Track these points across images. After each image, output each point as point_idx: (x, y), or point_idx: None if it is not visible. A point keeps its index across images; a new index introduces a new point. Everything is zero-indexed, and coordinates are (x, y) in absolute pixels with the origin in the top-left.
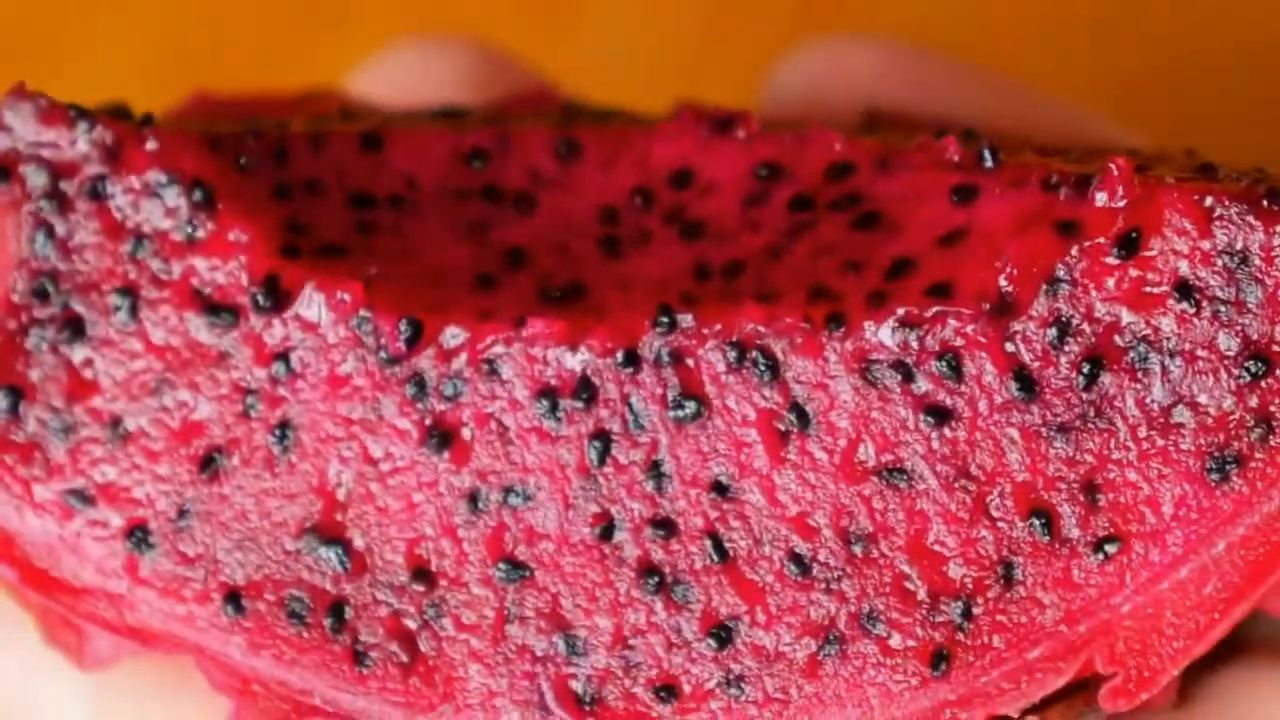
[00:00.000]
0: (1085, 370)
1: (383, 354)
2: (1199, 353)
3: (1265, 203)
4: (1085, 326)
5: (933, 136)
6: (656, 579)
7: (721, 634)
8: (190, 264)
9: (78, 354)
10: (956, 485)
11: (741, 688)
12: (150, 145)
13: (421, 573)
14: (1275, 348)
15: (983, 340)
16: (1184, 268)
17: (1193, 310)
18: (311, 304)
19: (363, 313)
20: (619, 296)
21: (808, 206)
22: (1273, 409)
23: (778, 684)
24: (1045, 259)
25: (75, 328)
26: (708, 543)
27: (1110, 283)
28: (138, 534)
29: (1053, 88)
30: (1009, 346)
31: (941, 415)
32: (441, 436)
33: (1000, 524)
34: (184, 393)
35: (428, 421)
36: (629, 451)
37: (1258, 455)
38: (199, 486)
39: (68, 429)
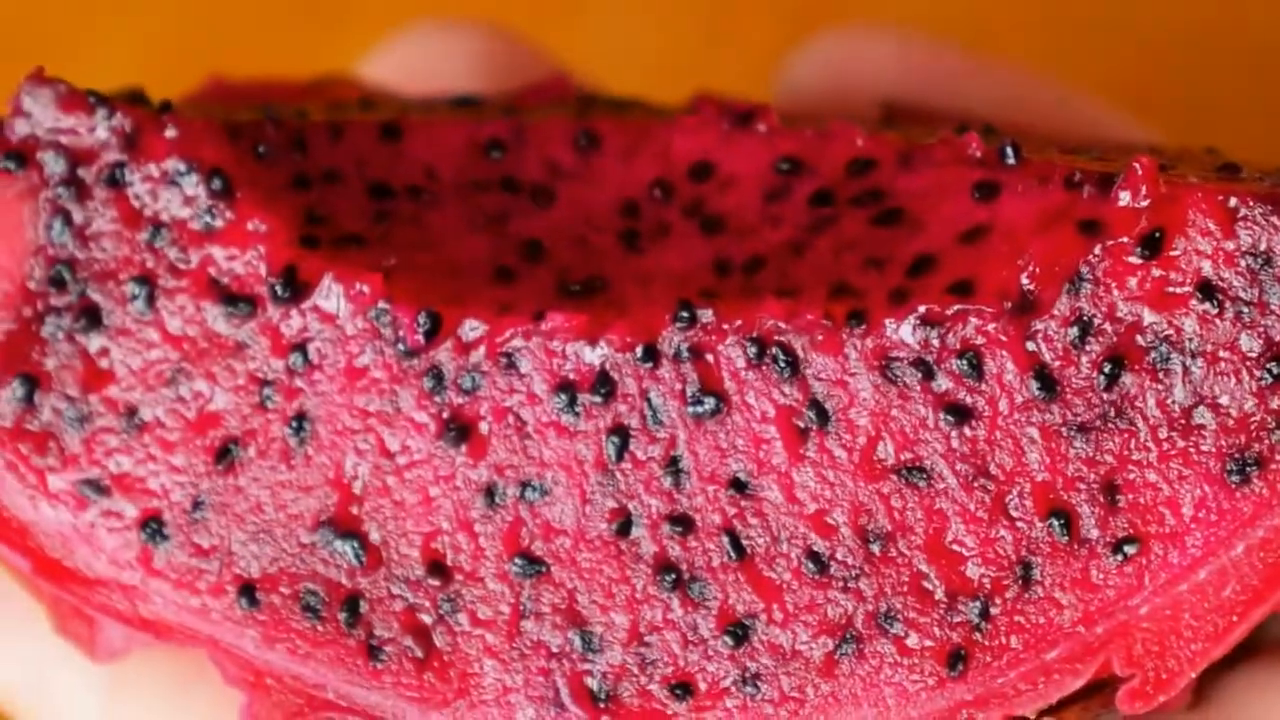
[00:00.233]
0: (1106, 370)
1: (401, 346)
2: (1221, 354)
3: None
4: (1107, 326)
5: (954, 132)
6: (673, 575)
7: (738, 632)
8: (208, 253)
9: (94, 343)
10: (976, 484)
11: (757, 686)
12: (169, 133)
13: (437, 567)
14: None
15: (1004, 339)
16: (1207, 268)
17: (1215, 311)
18: (330, 295)
19: (381, 304)
20: (638, 291)
21: (829, 202)
22: None
23: (794, 683)
24: (1068, 258)
25: (92, 316)
26: (725, 540)
27: (1133, 282)
28: (152, 525)
29: None
30: (1030, 345)
31: (962, 414)
32: (459, 430)
33: (1019, 524)
34: (200, 383)
35: (445, 415)
36: (647, 447)
37: (1278, 457)
38: (214, 478)
39: (83, 418)
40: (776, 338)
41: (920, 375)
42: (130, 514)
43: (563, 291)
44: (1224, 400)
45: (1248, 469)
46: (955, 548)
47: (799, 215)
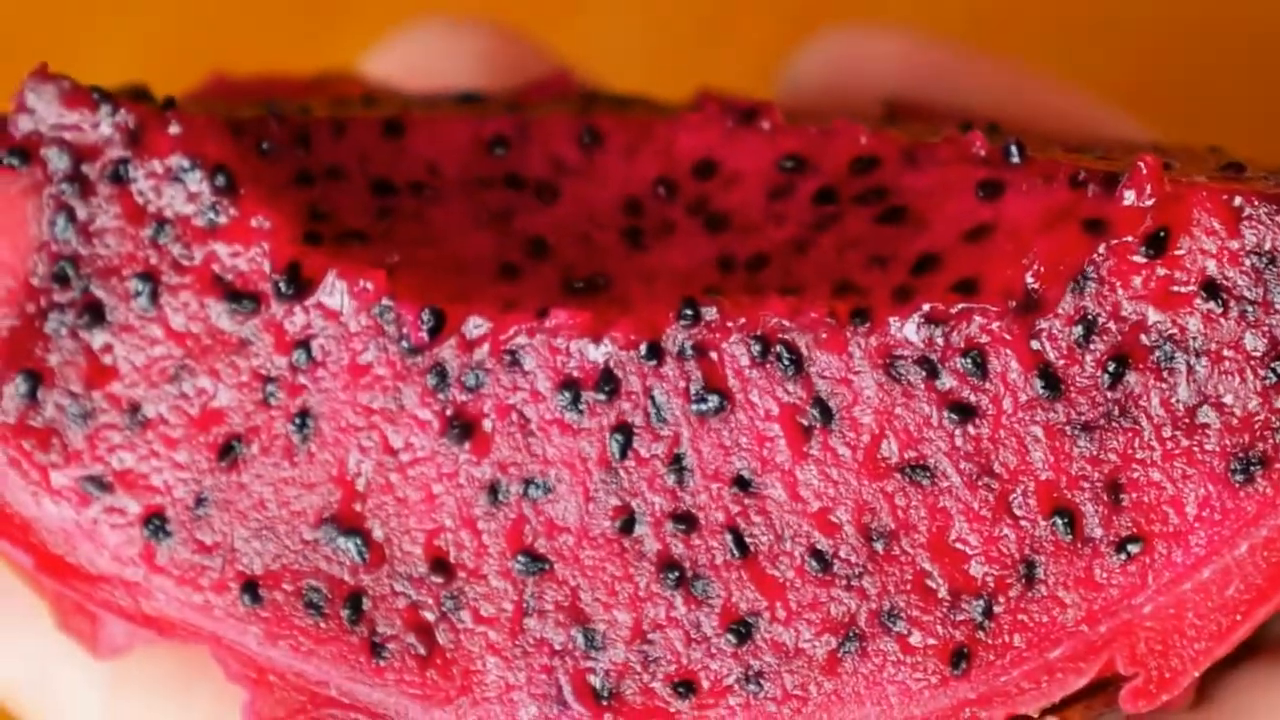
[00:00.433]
0: (1111, 369)
1: (405, 343)
2: (1225, 353)
3: None
4: (1111, 325)
5: (958, 130)
6: (676, 573)
7: (741, 630)
8: (212, 250)
9: (97, 339)
10: (979, 483)
11: (760, 684)
12: (173, 129)
13: (440, 564)
14: None
15: (1008, 337)
16: (1212, 267)
17: (1220, 310)
18: (334, 292)
19: (385, 301)
20: (642, 288)
21: (833, 200)
22: None
23: (797, 681)
24: (1072, 256)
25: (95, 312)
26: (728, 537)
27: (1137, 281)
28: (155, 521)
29: None
30: (1034, 344)
31: (966, 412)
32: (463, 427)
33: (1023, 522)
34: (204, 380)
35: (449, 412)
36: (651, 445)
37: None
38: (217, 474)
39: (86, 415)
40: (780, 336)
41: (924, 374)
42: (133, 510)
43: (567, 289)
44: (1228, 399)
45: (1252, 468)
46: (959, 546)
47: (803, 213)
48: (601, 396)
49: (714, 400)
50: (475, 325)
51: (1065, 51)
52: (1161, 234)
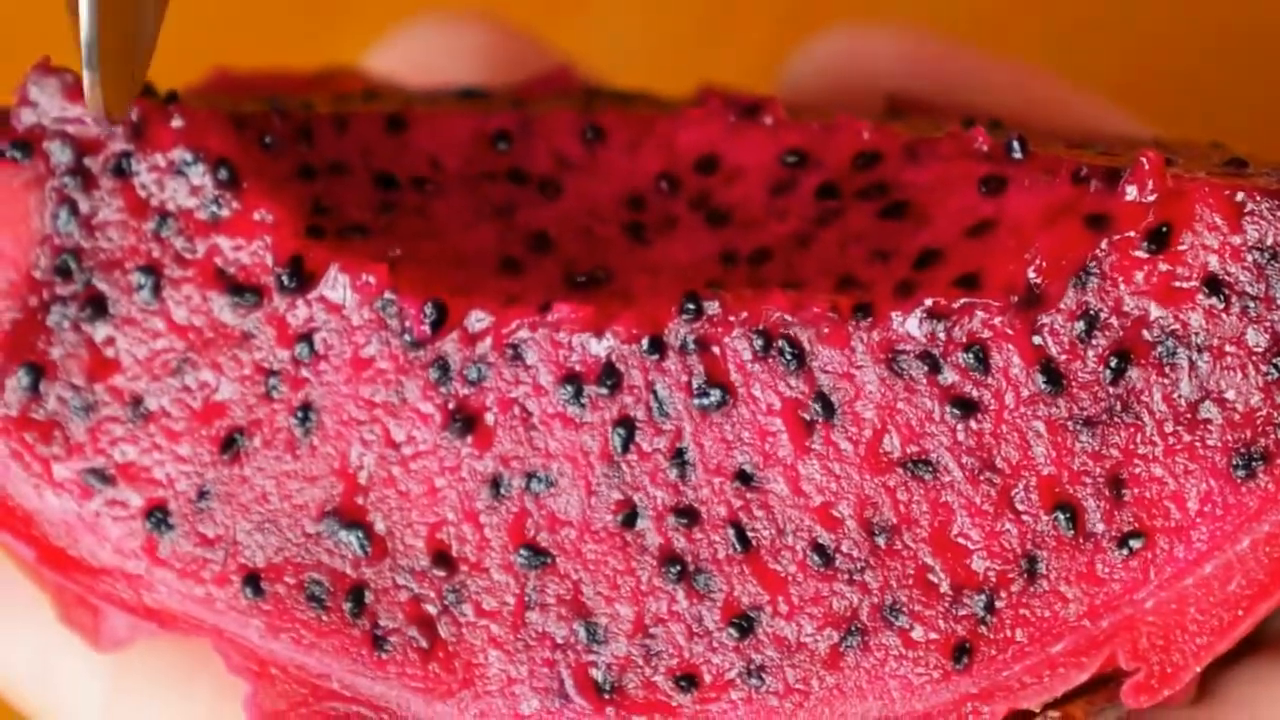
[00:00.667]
0: (1113, 364)
1: (407, 337)
2: (1227, 348)
3: None
4: (1113, 320)
5: (960, 125)
6: (678, 567)
7: (743, 624)
8: (214, 243)
9: (99, 332)
10: (981, 478)
11: (762, 678)
12: (176, 123)
13: (442, 557)
14: None
15: (1010, 332)
16: (1214, 263)
17: (1222, 305)
18: (336, 285)
19: (387, 295)
20: (645, 283)
21: (835, 195)
22: None
23: (799, 675)
24: (1074, 252)
25: (97, 305)
26: (730, 532)
27: (1139, 277)
28: (157, 514)
29: None
30: (1036, 339)
31: (967, 407)
32: (465, 421)
33: (1025, 517)
34: (206, 373)
35: (451, 406)
36: (653, 439)
37: None
38: (220, 468)
39: (88, 407)
40: (782, 330)
41: (926, 368)
42: (135, 503)
43: (569, 283)
44: (1230, 395)
45: (1253, 464)
46: (960, 541)
47: (805, 208)
48: (603, 390)
49: (716, 394)
50: (477, 319)
51: (1066, 49)
52: (1163, 229)
